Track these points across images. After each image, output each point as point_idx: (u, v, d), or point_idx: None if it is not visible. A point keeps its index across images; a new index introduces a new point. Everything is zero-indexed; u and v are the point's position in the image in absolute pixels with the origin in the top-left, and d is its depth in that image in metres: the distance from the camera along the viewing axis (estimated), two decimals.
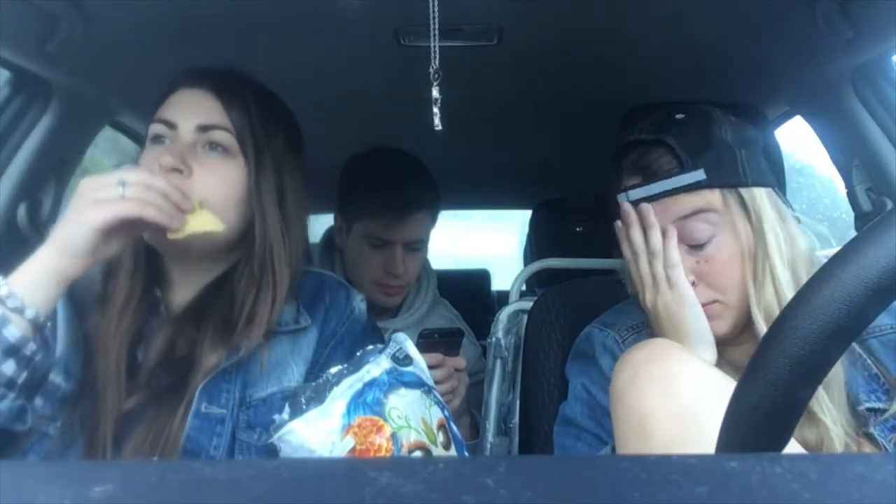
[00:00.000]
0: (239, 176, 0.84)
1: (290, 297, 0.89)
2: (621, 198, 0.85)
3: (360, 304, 0.96)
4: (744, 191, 0.80)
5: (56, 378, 0.80)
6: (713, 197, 0.80)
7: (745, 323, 0.80)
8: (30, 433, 0.76)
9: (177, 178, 0.79)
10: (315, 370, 0.88)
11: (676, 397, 0.57)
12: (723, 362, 0.82)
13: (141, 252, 0.85)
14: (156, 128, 0.85)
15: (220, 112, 0.84)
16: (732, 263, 0.79)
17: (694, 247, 0.80)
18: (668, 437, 0.55)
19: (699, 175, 0.80)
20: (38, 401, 0.77)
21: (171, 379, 0.81)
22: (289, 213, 0.88)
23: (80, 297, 0.85)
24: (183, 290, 0.88)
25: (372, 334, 0.96)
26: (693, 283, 0.79)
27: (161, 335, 0.84)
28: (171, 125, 0.83)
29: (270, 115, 0.89)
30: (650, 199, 0.82)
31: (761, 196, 0.80)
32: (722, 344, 0.81)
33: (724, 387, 0.56)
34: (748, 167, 0.81)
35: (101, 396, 0.78)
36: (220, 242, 0.84)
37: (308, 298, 0.91)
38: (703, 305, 0.79)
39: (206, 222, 0.78)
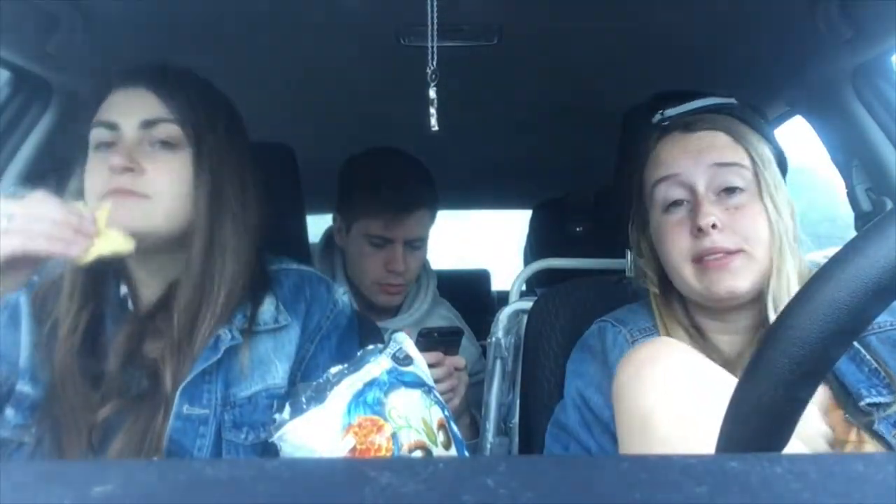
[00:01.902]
0: (189, 168, 0.83)
1: (270, 296, 0.88)
2: (656, 118, 0.90)
3: (342, 297, 0.94)
4: (770, 179, 0.83)
5: (24, 387, 0.79)
6: (747, 163, 0.83)
7: (759, 291, 0.80)
8: (6, 443, 0.76)
9: (129, 178, 0.78)
10: (301, 367, 0.87)
11: (679, 396, 0.57)
12: (711, 347, 0.83)
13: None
14: (98, 133, 0.82)
15: (161, 106, 0.82)
16: (759, 220, 0.81)
17: (726, 191, 0.82)
18: (670, 435, 0.55)
19: (731, 100, 0.88)
20: (10, 411, 0.77)
21: (147, 380, 0.80)
22: (225, 203, 0.84)
23: (41, 300, 0.83)
24: (151, 286, 0.86)
25: (358, 326, 0.95)
26: (715, 226, 0.80)
27: (128, 333, 0.82)
28: (113, 126, 0.81)
29: (211, 104, 0.86)
30: (685, 115, 0.87)
31: (784, 193, 0.84)
32: (728, 311, 0.83)
33: (727, 385, 0.56)
34: (770, 135, 0.88)
35: (69, 402, 0.77)
36: (173, 238, 0.82)
37: (288, 296, 0.90)
38: (729, 254, 0.80)
39: (114, 242, 0.74)
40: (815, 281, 0.34)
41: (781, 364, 0.33)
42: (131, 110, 0.82)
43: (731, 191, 0.82)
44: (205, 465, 0.28)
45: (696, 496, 0.24)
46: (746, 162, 0.83)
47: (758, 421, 0.34)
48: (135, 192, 0.79)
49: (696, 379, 0.58)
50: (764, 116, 0.93)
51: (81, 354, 0.79)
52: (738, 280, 0.79)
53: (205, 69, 0.88)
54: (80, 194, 0.83)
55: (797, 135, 1.46)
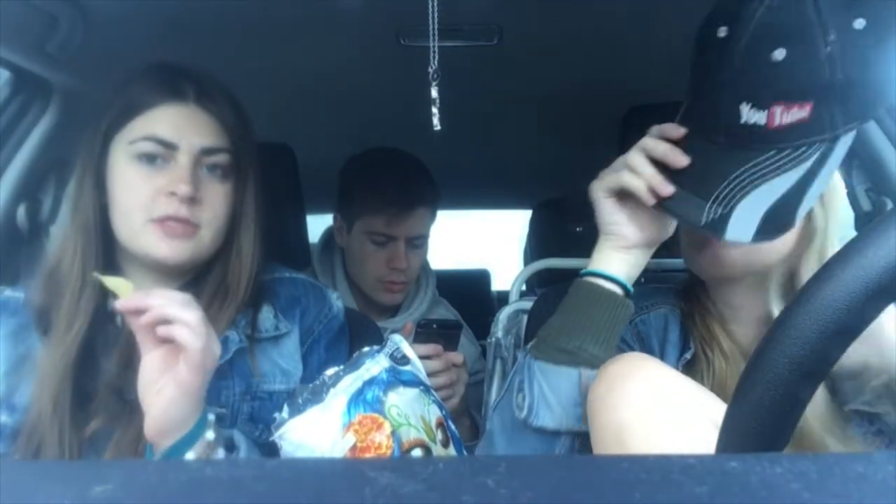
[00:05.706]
0: (232, 196, 0.83)
1: (267, 305, 0.88)
2: None
3: (336, 301, 0.95)
4: None
5: (1, 417, 0.76)
6: None
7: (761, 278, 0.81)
8: None
9: (188, 207, 0.77)
10: (306, 370, 0.88)
11: (652, 411, 0.58)
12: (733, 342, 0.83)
13: (89, 269, 0.79)
14: (147, 146, 0.78)
15: (221, 133, 0.81)
16: None
17: None
18: (644, 450, 0.55)
19: None
20: None
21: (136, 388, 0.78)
22: (256, 221, 0.86)
23: (15, 323, 0.81)
24: None
25: (358, 326, 0.96)
26: None
27: (120, 349, 0.79)
28: (171, 146, 0.78)
29: (248, 126, 0.86)
30: None
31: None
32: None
33: (699, 399, 0.58)
34: None
35: (58, 423, 0.74)
36: (201, 259, 0.82)
37: (284, 303, 0.90)
38: None
39: (118, 287, 0.70)
40: (815, 281, 0.34)
41: (781, 364, 0.33)
42: (191, 132, 0.80)
43: None
44: (205, 465, 0.28)
45: (696, 496, 0.24)
46: None
47: (758, 421, 0.34)
48: (191, 223, 0.78)
49: (668, 394, 0.59)
50: None
51: (73, 373, 0.77)
52: None
53: (204, 69, 0.87)
54: (90, 198, 0.80)
55: None
